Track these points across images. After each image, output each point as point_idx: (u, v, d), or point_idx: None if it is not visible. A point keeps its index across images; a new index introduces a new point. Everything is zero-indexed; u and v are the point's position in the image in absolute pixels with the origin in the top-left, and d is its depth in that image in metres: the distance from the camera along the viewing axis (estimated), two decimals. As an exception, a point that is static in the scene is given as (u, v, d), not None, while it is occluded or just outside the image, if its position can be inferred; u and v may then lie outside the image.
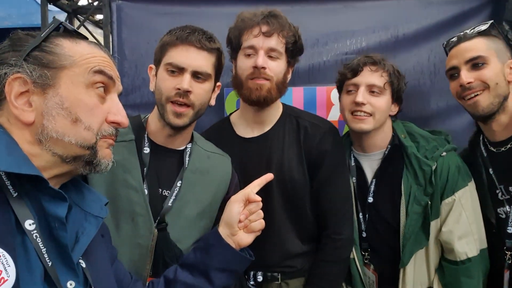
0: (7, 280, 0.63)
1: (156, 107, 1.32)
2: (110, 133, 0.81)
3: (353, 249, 1.57)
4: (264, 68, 1.39)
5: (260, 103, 1.45)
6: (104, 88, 0.80)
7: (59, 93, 0.74)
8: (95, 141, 0.78)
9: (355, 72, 1.53)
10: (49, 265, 0.70)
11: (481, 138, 1.56)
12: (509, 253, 1.41)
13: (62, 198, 0.73)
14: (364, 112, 1.50)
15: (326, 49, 2.05)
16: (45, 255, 0.71)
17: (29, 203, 0.72)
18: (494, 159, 1.49)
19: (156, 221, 1.23)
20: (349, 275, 1.61)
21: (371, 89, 1.51)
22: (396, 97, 1.57)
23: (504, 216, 1.44)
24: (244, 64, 1.44)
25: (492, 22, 1.47)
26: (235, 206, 1.12)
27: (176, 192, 1.27)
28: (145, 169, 1.26)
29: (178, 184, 1.28)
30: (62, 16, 2.62)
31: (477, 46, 1.44)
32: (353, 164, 1.64)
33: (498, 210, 1.46)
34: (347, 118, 1.57)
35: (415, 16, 2.05)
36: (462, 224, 1.45)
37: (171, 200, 1.26)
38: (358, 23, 2.06)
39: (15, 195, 0.70)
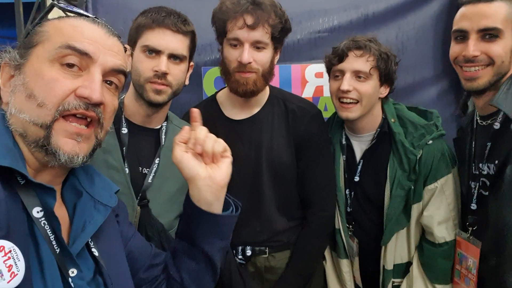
0: (17, 274, 0.63)
1: (131, 87, 1.36)
2: (74, 106, 0.73)
3: (340, 221, 1.65)
4: (249, 62, 1.40)
5: (246, 95, 1.48)
6: (80, 63, 0.75)
7: (24, 71, 0.74)
8: (52, 119, 0.72)
9: (341, 57, 1.53)
10: (57, 252, 0.71)
11: (475, 110, 1.54)
12: (471, 228, 1.47)
13: (49, 189, 0.72)
14: (351, 98, 1.51)
15: (300, 27, 2.10)
16: (54, 242, 0.71)
17: (35, 192, 0.71)
18: (478, 133, 1.49)
19: (138, 198, 1.29)
20: (334, 243, 1.71)
21: (357, 75, 1.51)
22: (385, 80, 1.55)
23: (472, 189, 1.45)
24: (230, 55, 1.44)
25: None
26: (175, 148, 0.92)
27: (155, 169, 1.33)
28: (124, 148, 1.31)
29: (157, 161, 1.34)
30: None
31: (496, 14, 1.27)
32: (344, 142, 1.68)
33: (470, 183, 1.48)
34: (335, 105, 1.59)
35: (384, -5, 2.12)
36: (443, 210, 1.52)
37: (151, 177, 1.32)
38: (330, 2, 2.12)
39: (22, 182, 0.70)
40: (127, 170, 1.29)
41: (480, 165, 1.42)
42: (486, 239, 1.39)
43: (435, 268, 1.55)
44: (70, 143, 0.74)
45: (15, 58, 0.75)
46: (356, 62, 1.51)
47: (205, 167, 0.91)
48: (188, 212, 0.94)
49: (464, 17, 1.34)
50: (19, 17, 2.46)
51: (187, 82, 1.41)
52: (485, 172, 1.40)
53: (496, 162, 1.34)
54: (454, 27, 1.40)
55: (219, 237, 0.94)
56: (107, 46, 0.79)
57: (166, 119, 1.44)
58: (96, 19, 0.82)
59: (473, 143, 1.50)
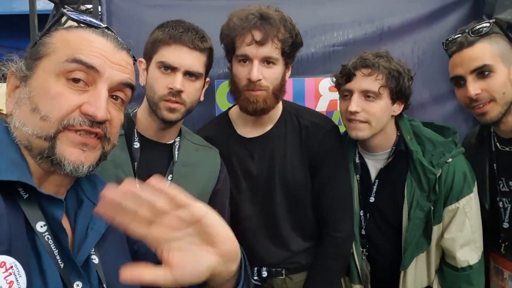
0: None
1: (145, 101, 1.34)
2: (79, 123, 0.71)
3: (353, 245, 1.58)
4: (259, 80, 1.36)
5: (256, 114, 1.44)
6: (86, 78, 0.73)
7: (30, 83, 0.73)
8: (55, 131, 0.70)
9: (348, 77, 1.47)
10: (61, 266, 0.70)
11: (492, 130, 1.56)
12: (504, 244, 1.47)
13: (58, 200, 0.71)
14: (359, 121, 1.45)
15: (314, 41, 2.09)
16: (58, 257, 0.69)
17: (38, 205, 0.70)
18: (499, 156, 1.51)
19: None
20: (347, 268, 1.63)
21: (366, 94, 1.44)
22: (398, 97, 1.48)
23: (502, 207, 1.48)
24: (239, 73, 1.40)
25: (493, 21, 1.41)
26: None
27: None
28: (136, 163, 1.29)
29: (169, 178, 1.31)
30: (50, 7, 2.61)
31: (482, 54, 1.37)
32: (358, 161, 1.62)
33: (498, 199, 1.49)
34: (345, 125, 1.54)
35: (399, 9, 2.10)
36: (465, 232, 1.44)
37: None
38: (345, 15, 2.11)
39: (25, 197, 0.68)
40: (137, 186, 1.27)
41: (511, 182, 1.44)
42: None
43: None
44: (76, 152, 0.72)
45: (21, 69, 0.74)
46: (364, 81, 1.44)
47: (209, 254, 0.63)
48: None
49: (455, 65, 1.45)
50: (34, 28, 2.49)
51: (202, 98, 1.39)
52: None
53: None
54: (451, 76, 1.49)
55: None
56: (114, 60, 0.77)
57: (180, 133, 1.42)
58: (106, 31, 0.80)
59: (494, 164, 1.51)
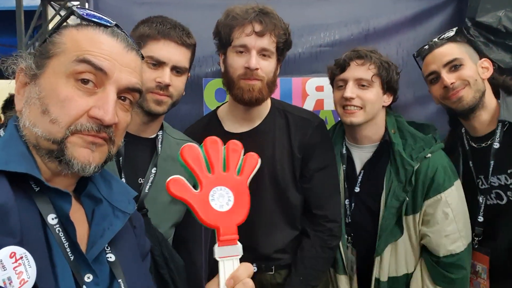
0: (27, 281, 0.62)
1: None
2: (87, 128, 0.72)
3: None
4: (256, 69, 1.40)
5: (251, 104, 1.47)
6: (95, 80, 0.73)
7: (40, 83, 0.73)
8: (63, 136, 0.71)
9: (343, 67, 1.57)
10: (71, 259, 0.70)
11: (463, 131, 1.65)
12: (477, 238, 1.55)
13: (65, 193, 0.71)
14: (354, 105, 1.54)
15: (301, 41, 2.12)
16: (68, 250, 0.70)
17: (49, 198, 0.71)
18: (475, 154, 1.59)
19: (136, 208, 1.28)
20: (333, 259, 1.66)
21: (360, 83, 1.54)
22: (387, 88, 1.59)
23: (480, 203, 1.56)
24: (235, 62, 1.43)
25: (457, 29, 1.58)
26: None
27: (151, 178, 1.32)
28: (120, 159, 1.29)
29: (153, 171, 1.33)
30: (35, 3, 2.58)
31: (451, 50, 1.53)
32: (344, 152, 1.69)
33: (479, 197, 1.56)
34: (339, 112, 1.61)
35: (385, 10, 2.15)
36: (449, 222, 1.48)
37: (147, 186, 1.31)
38: (332, 16, 2.15)
39: (37, 189, 0.70)
40: (123, 180, 1.28)
41: (492, 178, 1.52)
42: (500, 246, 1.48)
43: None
44: (85, 152, 0.73)
45: (31, 67, 0.75)
46: (358, 70, 1.55)
47: None
48: None
49: (429, 63, 1.59)
50: (20, 24, 2.46)
51: (183, 93, 1.41)
52: (496, 184, 1.52)
53: (510, 171, 1.49)
54: (426, 73, 1.62)
55: None
56: (123, 63, 0.76)
57: (161, 128, 1.43)
58: (116, 30, 0.79)
59: (470, 162, 1.59)
